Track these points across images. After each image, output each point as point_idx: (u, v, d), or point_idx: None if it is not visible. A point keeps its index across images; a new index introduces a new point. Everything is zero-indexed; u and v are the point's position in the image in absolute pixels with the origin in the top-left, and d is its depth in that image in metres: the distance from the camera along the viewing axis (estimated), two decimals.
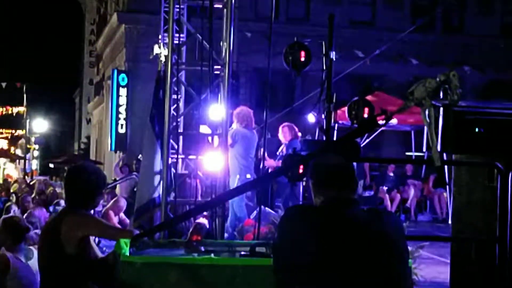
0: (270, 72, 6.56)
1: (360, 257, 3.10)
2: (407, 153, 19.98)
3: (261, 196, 9.81)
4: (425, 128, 4.73)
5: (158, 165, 6.63)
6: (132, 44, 25.34)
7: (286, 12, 26.65)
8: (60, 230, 4.44)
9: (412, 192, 17.06)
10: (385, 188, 17.12)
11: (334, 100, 7.12)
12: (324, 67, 7.14)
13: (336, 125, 14.86)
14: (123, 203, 10.26)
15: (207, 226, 4.71)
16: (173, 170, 7.77)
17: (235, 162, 9.72)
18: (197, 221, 4.70)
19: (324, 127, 6.91)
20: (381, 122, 4.40)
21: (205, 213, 6.92)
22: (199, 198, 7.73)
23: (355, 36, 24.75)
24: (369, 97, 18.21)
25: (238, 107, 10.82)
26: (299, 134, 11.64)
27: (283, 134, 11.37)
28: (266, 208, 11.46)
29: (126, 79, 25.35)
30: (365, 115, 7.18)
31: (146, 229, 5.35)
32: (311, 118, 14.40)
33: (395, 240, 3.20)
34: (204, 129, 7.25)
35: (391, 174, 17.66)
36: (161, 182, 6.61)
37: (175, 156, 7.99)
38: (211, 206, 5.77)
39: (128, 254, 4.15)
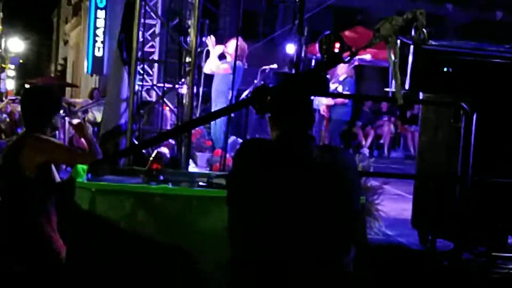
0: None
1: (310, 191, 3.16)
2: (386, 89, 20.04)
3: (232, 127, 9.86)
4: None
5: (125, 91, 6.61)
6: None
7: None
8: (19, 154, 4.46)
9: (386, 128, 17.19)
10: (359, 123, 17.23)
11: (305, 33, 7.07)
12: None
13: (314, 58, 14.80)
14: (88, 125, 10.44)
15: (168, 155, 4.73)
16: (145, 97, 7.75)
17: (225, 91, 9.72)
18: (158, 149, 4.72)
19: (294, 60, 6.89)
20: (346, 58, 4.39)
21: (172, 142, 6.95)
22: (169, 127, 7.74)
23: None
24: (348, 32, 18.18)
25: (214, 35, 10.77)
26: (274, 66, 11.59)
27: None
28: (239, 139, 11.53)
29: (104, 1, 24.97)
30: (336, 50, 7.15)
31: (106, 155, 5.36)
32: (290, 49, 14.28)
33: (346, 175, 3.24)
34: None
35: (367, 109, 17.73)
36: (127, 109, 6.61)
37: (147, 83, 7.98)
38: (174, 134, 5.77)
39: (85, 180, 4.18)
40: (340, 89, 11.85)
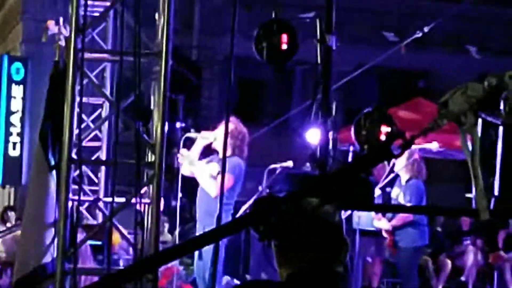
0: (233, 62, 6.60)
1: None
2: (467, 195, 20.11)
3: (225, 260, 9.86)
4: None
5: (51, 212, 6.65)
6: (32, 17, 25.41)
7: None
8: None
9: (470, 258, 17.14)
10: (428, 250, 17.15)
11: (334, 112, 7.16)
12: (318, 60, 7.14)
13: (350, 150, 14.90)
14: None
15: None
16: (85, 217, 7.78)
17: (215, 202, 9.77)
18: None
19: (318, 155, 6.92)
20: (396, 150, 4.41)
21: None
22: (120, 263, 7.76)
23: (384, 10, 24.86)
24: (400, 109, 18.37)
25: (193, 119, 10.86)
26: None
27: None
28: (235, 280, 11.54)
29: (22, 71, 25.42)
30: (382, 137, 7.16)
31: None
32: (312, 136, 14.19)
33: None
34: None
35: (438, 229, 17.73)
36: (56, 240, 6.63)
37: (88, 197, 8.01)
38: (131, 276, 5.70)
39: None
40: (401, 198, 11.84)
